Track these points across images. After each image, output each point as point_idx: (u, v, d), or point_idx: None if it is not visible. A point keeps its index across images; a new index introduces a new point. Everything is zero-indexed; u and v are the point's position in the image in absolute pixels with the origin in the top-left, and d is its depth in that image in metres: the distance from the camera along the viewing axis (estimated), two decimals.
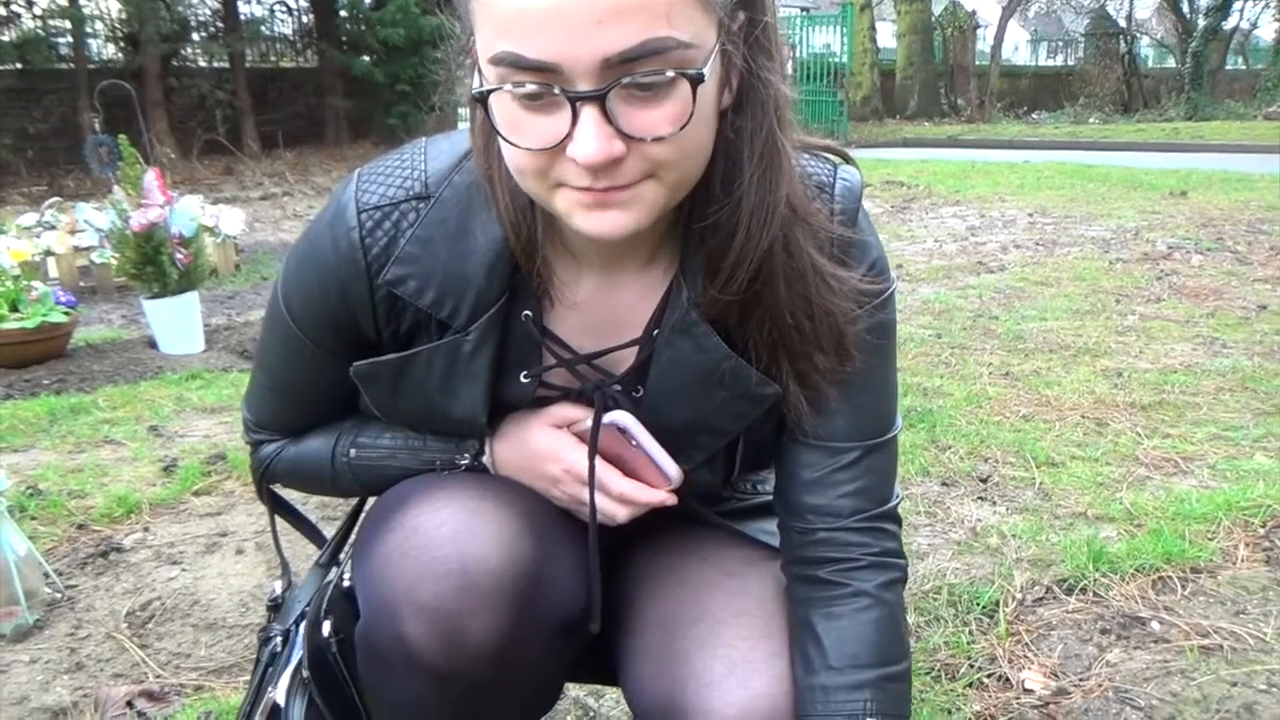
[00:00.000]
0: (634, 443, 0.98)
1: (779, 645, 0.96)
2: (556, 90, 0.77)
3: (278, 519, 1.33)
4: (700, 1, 0.78)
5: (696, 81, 0.78)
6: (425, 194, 0.96)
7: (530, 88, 0.78)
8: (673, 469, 0.99)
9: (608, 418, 0.99)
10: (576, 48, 0.75)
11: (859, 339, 0.98)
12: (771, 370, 0.98)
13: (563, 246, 0.98)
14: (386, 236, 0.96)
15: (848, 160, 1.02)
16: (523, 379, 1.02)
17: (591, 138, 0.78)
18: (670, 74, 0.77)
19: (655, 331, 0.99)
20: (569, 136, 0.79)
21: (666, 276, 0.99)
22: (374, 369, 1.02)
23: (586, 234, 0.86)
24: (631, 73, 0.76)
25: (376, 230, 0.96)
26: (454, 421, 1.04)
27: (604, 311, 1.01)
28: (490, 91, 0.80)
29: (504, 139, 0.82)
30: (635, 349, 1.01)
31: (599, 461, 1.01)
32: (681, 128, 0.80)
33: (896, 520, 1.06)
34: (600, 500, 1.02)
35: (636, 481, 1.01)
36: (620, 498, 1.01)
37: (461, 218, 0.96)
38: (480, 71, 0.82)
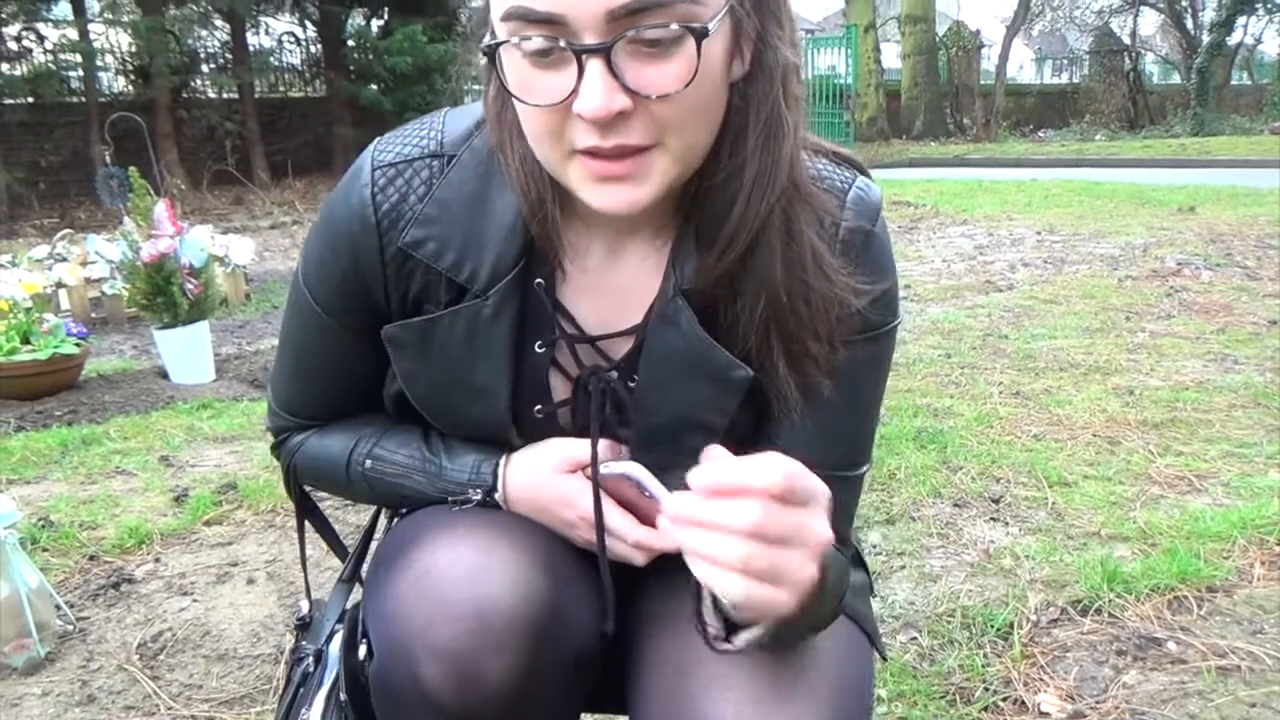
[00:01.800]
0: (647, 494, 0.98)
1: (790, 685, 0.95)
2: (562, 44, 0.78)
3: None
4: None
5: (701, 36, 0.79)
6: (440, 152, 0.97)
7: (538, 41, 0.79)
8: None
9: (619, 469, 0.98)
10: (582, 0, 0.76)
11: (851, 357, 0.97)
12: (762, 352, 0.97)
13: (573, 213, 0.97)
14: (397, 193, 0.97)
15: (864, 173, 1.01)
16: (537, 349, 1.02)
17: (596, 90, 0.79)
18: (675, 27, 0.78)
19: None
20: (575, 92, 0.80)
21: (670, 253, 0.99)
22: (401, 333, 1.01)
23: (597, 209, 0.86)
24: (636, 25, 0.77)
25: (389, 187, 0.97)
26: (476, 391, 1.02)
27: (611, 286, 1.00)
28: (499, 45, 0.81)
29: (514, 97, 0.84)
30: (633, 336, 1.01)
31: (614, 509, 1.00)
32: (686, 84, 0.80)
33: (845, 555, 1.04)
34: (618, 545, 1.01)
35: (650, 530, 1.00)
36: (636, 545, 1.00)
37: (481, 180, 0.96)
38: (493, 32, 0.84)
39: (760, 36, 0.86)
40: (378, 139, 1.02)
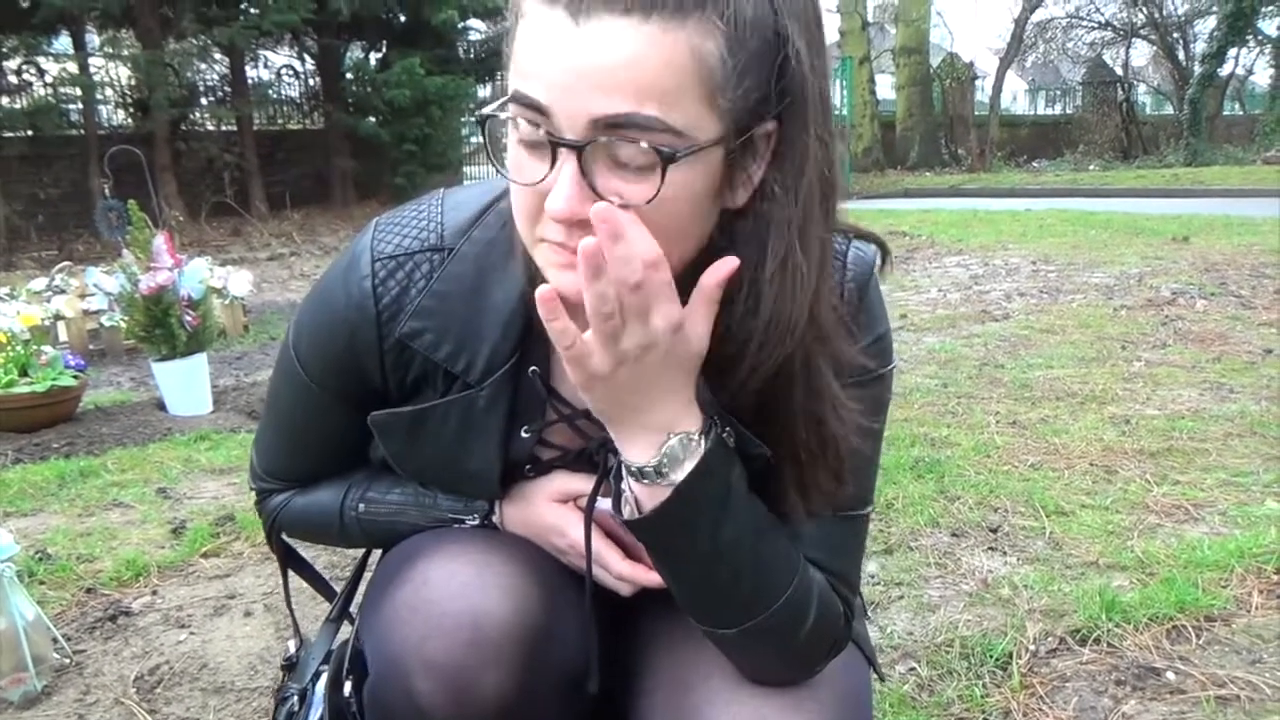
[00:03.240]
0: None
1: (794, 698, 0.96)
2: (543, 132, 0.81)
3: (290, 575, 1.33)
4: (705, 96, 0.79)
5: (667, 160, 0.79)
6: (441, 246, 0.99)
7: (523, 125, 0.82)
8: None
9: (602, 504, 1.00)
10: (571, 100, 0.78)
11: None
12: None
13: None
14: (399, 286, 0.98)
15: (883, 248, 1.01)
16: (523, 434, 1.04)
17: (563, 190, 0.80)
18: (644, 145, 0.79)
19: None
20: (546, 183, 0.82)
21: None
22: (390, 420, 1.04)
23: (561, 293, 0.86)
24: (614, 136, 0.79)
25: (389, 280, 0.99)
26: (468, 475, 1.05)
27: None
28: (490, 118, 0.84)
29: (499, 171, 0.87)
30: None
31: (602, 541, 1.02)
32: (648, 201, 0.80)
33: (852, 602, 1.03)
34: (604, 575, 1.03)
35: (635, 564, 1.02)
36: (619, 577, 1.03)
37: (479, 274, 0.98)
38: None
39: (767, 184, 0.85)
40: (376, 222, 1.03)
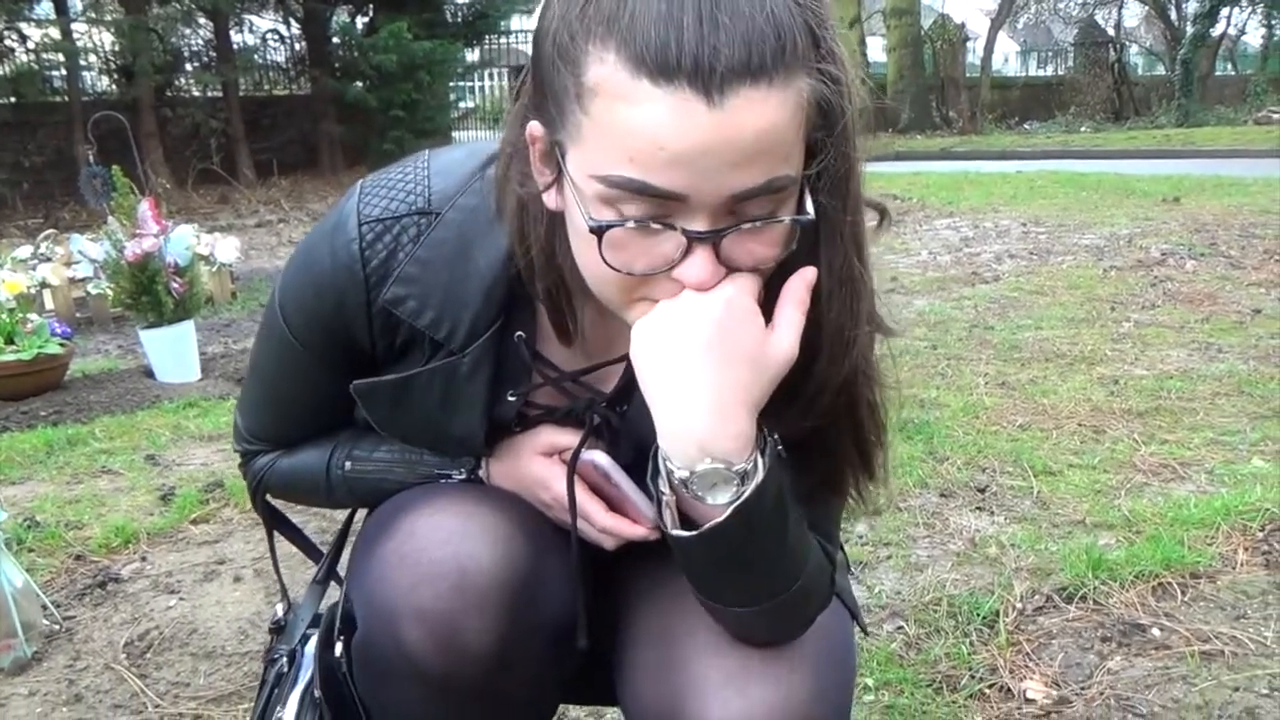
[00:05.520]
0: (614, 484, 1.00)
1: (776, 651, 0.96)
2: (678, 228, 0.79)
3: (276, 538, 1.34)
4: (803, 137, 0.80)
5: (805, 225, 0.81)
6: (428, 210, 0.98)
7: (652, 225, 0.79)
8: (649, 508, 0.99)
9: (585, 456, 1.00)
10: (708, 184, 0.76)
11: None
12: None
13: (575, 288, 0.97)
14: (386, 250, 0.98)
15: (883, 212, 0.99)
16: (509, 397, 1.03)
17: (703, 271, 0.80)
18: (785, 220, 0.80)
19: None
20: (674, 265, 0.81)
21: None
22: (373, 388, 1.03)
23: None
24: (746, 209, 0.79)
25: (377, 243, 0.98)
26: (452, 439, 1.05)
27: (598, 338, 1.02)
28: (609, 227, 0.79)
29: (608, 264, 0.82)
30: (623, 364, 1.01)
31: (586, 494, 1.02)
32: (777, 259, 0.83)
33: (835, 558, 1.04)
34: (587, 528, 1.03)
35: (619, 517, 1.02)
36: (603, 530, 1.02)
37: (463, 240, 0.97)
38: (573, 182, 0.81)
39: (814, 194, 0.84)
40: (361, 184, 1.02)
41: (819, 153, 0.82)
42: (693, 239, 0.79)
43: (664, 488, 0.88)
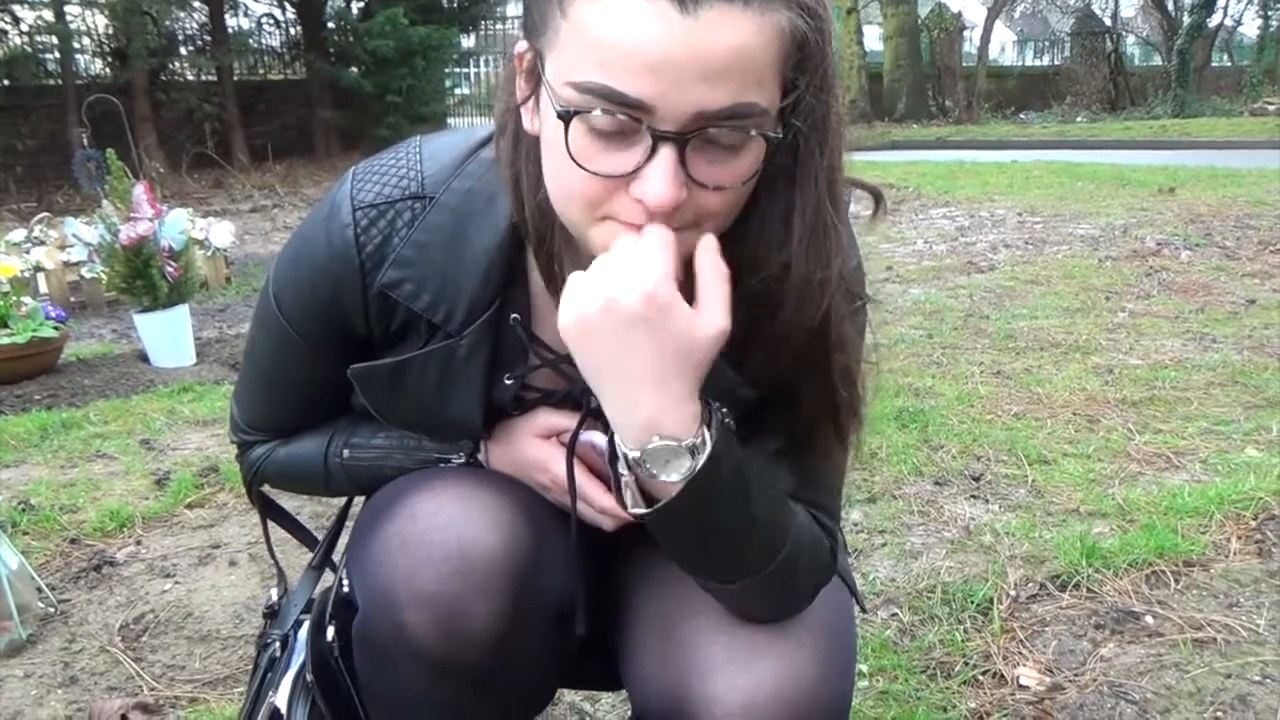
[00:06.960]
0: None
1: (782, 631, 0.97)
2: (645, 126, 0.79)
3: (270, 524, 1.34)
4: (781, 72, 0.80)
5: (773, 144, 0.81)
6: (421, 194, 0.98)
7: (621, 118, 0.79)
8: None
9: (584, 437, 1.00)
10: (675, 96, 0.77)
11: None
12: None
13: (571, 256, 0.97)
14: (381, 235, 0.98)
15: (878, 197, 0.99)
16: (506, 381, 1.03)
17: (663, 179, 0.79)
18: (753, 133, 0.80)
19: None
20: (637, 174, 0.80)
21: None
22: (370, 372, 1.03)
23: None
24: (718, 125, 0.78)
25: (371, 228, 0.98)
26: (450, 423, 1.05)
27: None
28: (576, 113, 0.80)
29: (575, 162, 0.82)
30: None
31: (585, 475, 1.02)
32: (744, 183, 0.82)
33: (835, 535, 1.04)
34: (587, 510, 1.03)
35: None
36: (602, 511, 1.02)
37: (458, 223, 0.97)
38: (550, 88, 0.82)
39: (799, 143, 0.85)
40: (353, 170, 1.02)
41: (796, 93, 0.82)
42: (658, 138, 0.79)
43: (622, 469, 0.89)
